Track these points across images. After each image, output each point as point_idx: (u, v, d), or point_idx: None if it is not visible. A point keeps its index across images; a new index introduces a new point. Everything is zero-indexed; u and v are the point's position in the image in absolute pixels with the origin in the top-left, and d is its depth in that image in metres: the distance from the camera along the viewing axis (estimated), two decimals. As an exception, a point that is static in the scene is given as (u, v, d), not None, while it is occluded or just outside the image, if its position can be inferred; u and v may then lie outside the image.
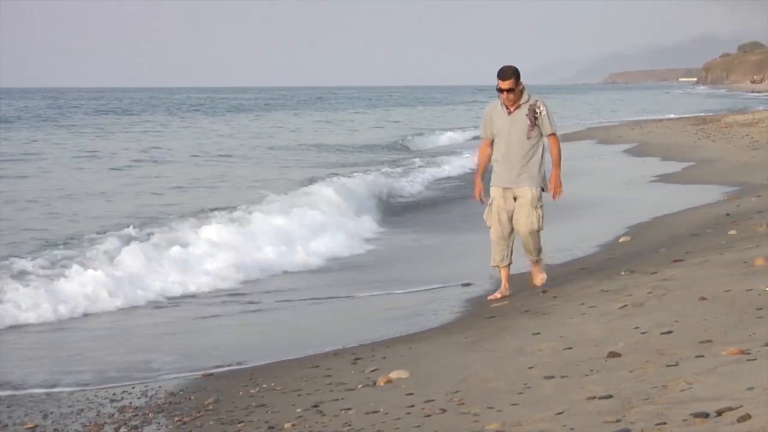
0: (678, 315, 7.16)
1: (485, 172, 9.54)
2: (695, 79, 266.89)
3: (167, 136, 43.35)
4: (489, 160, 9.52)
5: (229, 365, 8.00)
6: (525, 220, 9.38)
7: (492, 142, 9.49)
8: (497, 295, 9.50)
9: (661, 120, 49.44)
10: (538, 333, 7.50)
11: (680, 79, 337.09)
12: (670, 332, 6.66)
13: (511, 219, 9.45)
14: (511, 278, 9.55)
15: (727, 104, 75.83)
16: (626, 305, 7.92)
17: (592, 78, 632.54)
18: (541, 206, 9.45)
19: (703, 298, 7.57)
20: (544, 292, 9.49)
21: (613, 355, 6.27)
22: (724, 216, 13.37)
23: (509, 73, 9.29)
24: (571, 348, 6.75)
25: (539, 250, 9.58)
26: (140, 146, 36.01)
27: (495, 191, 9.52)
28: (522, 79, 9.34)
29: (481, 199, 9.57)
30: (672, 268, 9.53)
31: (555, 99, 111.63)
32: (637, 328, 6.98)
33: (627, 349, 6.39)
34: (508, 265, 9.55)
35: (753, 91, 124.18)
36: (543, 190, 9.49)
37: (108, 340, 9.30)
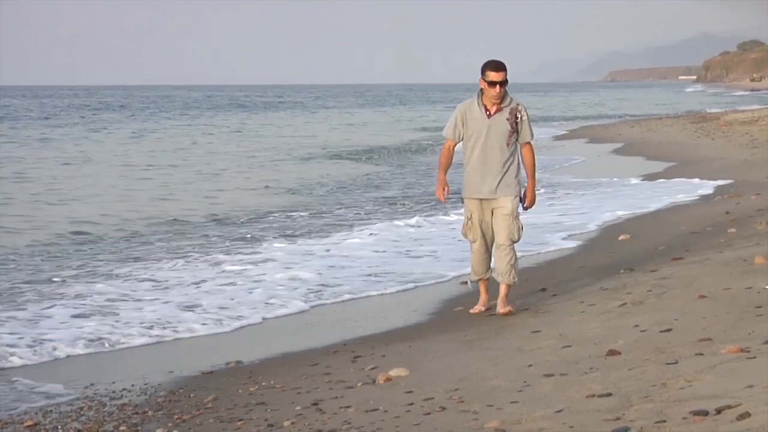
0: (677, 313, 7.17)
1: (447, 172, 8.75)
2: (695, 77, 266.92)
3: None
4: (451, 161, 8.72)
5: (228, 363, 8.00)
6: (504, 232, 8.65)
7: (456, 144, 8.70)
8: (481, 308, 8.85)
9: (660, 118, 49.48)
10: (538, 331, 7.51)
11: (680, 77, 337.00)
12: (669, 330, 6.67)
13: (491, 229, 8.74)
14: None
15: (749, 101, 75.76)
16: (626, 303, 7.93)
17: (592, 76, 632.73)
18: (518, 216, 8.75)
19: (703, 297, 7.57)
20: (543, 290, 9.49)
21: (613, 353, 6.27)
22: (724, 214, 13.38)
23: (501, 65, 8.52)
24: (570, 346, 6.75)
25: (511, 272, 8.73)
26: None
27: (472, 204, 8.73)
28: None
29: (442, 197, 8.71)
30: (671, 267, 9.55)
31: (556, 97, 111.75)
32: (636, 326, 6.99)
33: (626, 347, 6.39)
34: (489, 277, 8.90)
35: (753, 89, 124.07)
36: (520, 200, 8.75)
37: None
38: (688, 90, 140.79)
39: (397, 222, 15.68)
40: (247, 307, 9.93)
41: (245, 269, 11.88)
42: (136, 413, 6.65)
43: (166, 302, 10.14)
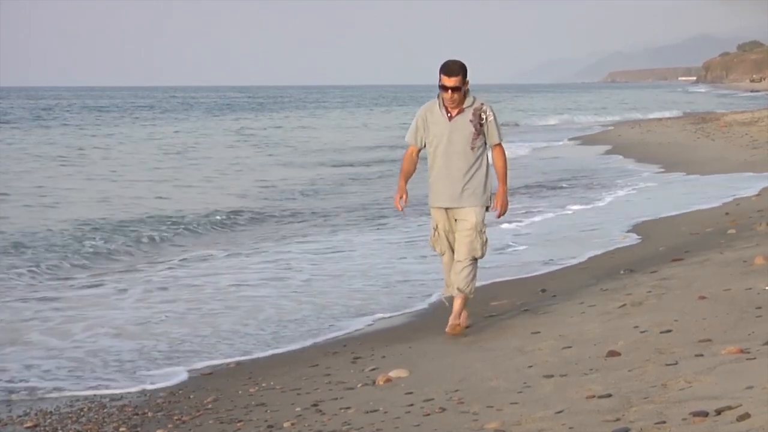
0: (677, 314, 7.17)
1: (408, 179, 8.14)
2: (695, 78, 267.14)
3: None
4: (414, 168, 8.11)
5: (228, 364, 8.00)
6: (467, 247, 7.97)
7: (419, 152, 8.08)
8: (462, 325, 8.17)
9: (660, 119, 49.56)
10: (538, 332, 7.50)
11: (680, 78, 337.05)
12: (669, 331, 6.67)
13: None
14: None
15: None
16: (626, 304, 7.93)
17: (592, 77, 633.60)
18: (485, 230, 8.04)
19: (703, 297, 7.57)
20: (543, 291, 9.49)
21: (613, 354, 6.27)
22: (724, 215, 13.39)
23: (455, 69, 7.82)
24: (570, 347, 6.75)
25: (468, 287, 8.07)
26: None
27: (437, 213, 8.08)
28: (468, 77, 7.88)
29: (400, 206, 8.08)
30: (671, 267, 9.55)
31: (559, 96, 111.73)
32: (636, 327, 6.99)
33: (626, 348, 6.39)
34: None
35: (753, 90, 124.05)
36: (487, 209, 8.08)
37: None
38: (696, 91, 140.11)
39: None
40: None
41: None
42: (136, 414, 6.65)
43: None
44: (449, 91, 7.83)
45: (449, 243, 8.11)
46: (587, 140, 36.42)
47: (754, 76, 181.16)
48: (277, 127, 52.11)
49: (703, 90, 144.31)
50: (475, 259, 8.05)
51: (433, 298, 10.00)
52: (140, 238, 14.74)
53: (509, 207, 8.22)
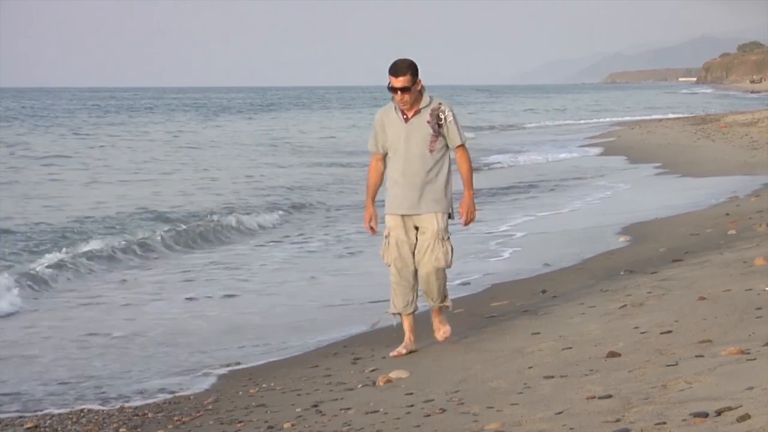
0: (677, 315, 7.17)
1: (377, 193, 7.70)
2: (695, 78, 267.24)
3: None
4: (381, 178, 7.64)
5: (228, 365, 8.00)
6: (428, 257, 7.46)
7: (384, 157, 7.61)
8: (402, 350, 7.56)
9: (660, 120, 49.59)
10: (538, 333, 7.50)
11: (680, 79, 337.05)
12: (669, 332, 6.67)
13: (414, 253, 7.56)
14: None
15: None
16: (626, 305, 7.93)
17: (592, 78, 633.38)
18: (449, 237, 7.54)
19: (703, 298, 7.57)
20: (543, 291, 9.49)
21: (613, 354, 6.27)
22: (724, 216, 13.38)
23: (403, 68, 7.37)
24: (570, 348, 6.75)
25: (444, 296, 7.64)
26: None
27: (392, 221, 7.52)
28: (420, 77, 7.40)
29: (371, 228, 7.61)
30: (671, 268, 9.55)
31: (560, 97, 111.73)
32: (636, 327, 6.99)
33: (626, 348, 6.39)
34: (413, 312, 7.63)
35: (753, 91, 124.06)
36: (450, 216, 7.56)
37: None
38: (698, 92, 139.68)
39: None
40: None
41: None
42: (136, 415, 6.65)
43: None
44: (398, 92, 7.38)
45: (400, 254, 7.54)
46: (587, 141, 36.43)
47: (754, 77, 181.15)
48: (282, 128, 51.84)
49: (705, 90, 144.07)
50: (440, 270, 7.54)
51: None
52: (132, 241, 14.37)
53: (476, 214, 7.65)
